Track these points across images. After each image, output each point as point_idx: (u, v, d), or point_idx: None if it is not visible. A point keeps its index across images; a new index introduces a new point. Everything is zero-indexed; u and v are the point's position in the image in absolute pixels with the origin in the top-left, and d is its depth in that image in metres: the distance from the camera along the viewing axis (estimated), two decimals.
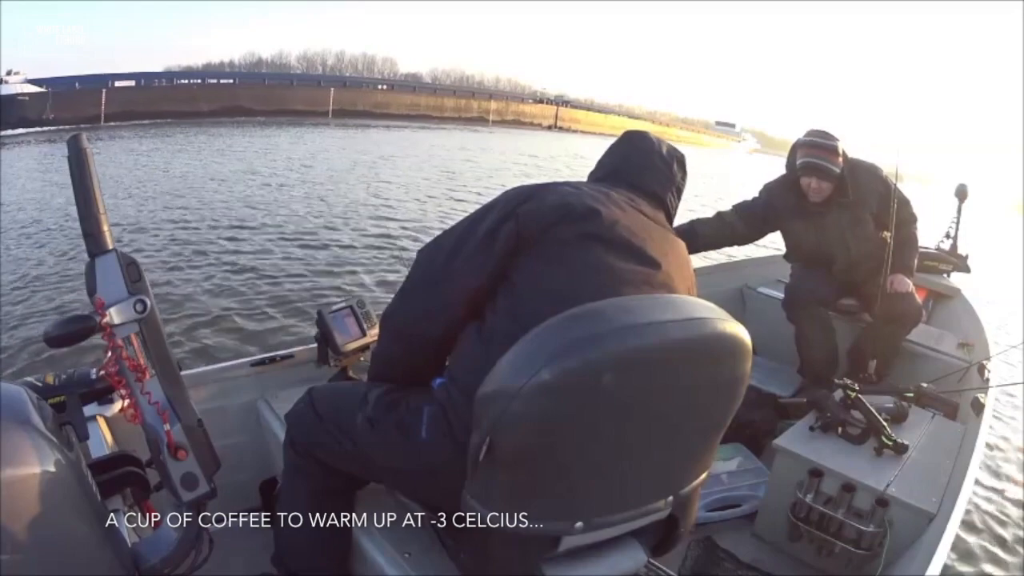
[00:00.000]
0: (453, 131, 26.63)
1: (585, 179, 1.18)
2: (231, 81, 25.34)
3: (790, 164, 2.27)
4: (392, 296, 1.05)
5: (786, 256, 2.51)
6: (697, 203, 6.96)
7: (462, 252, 0.96)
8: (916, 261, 2.32)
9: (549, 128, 43.34)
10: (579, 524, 0.81)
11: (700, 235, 2.34)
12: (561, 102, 50.49)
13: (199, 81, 23.18)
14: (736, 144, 69.03)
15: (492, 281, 0.94)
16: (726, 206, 2.44)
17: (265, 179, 9.81)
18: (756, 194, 2.42)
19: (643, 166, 1.14)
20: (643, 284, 0.93)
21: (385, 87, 38.30)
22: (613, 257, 0.93)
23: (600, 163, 1.21)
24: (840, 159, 2.16)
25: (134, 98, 20.38)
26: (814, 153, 2.16)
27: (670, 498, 0.88)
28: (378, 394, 1.02)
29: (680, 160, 1.18)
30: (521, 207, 0.95)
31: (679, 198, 1.17)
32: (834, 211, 2.22)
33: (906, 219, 2.26)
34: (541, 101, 50.26)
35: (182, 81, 22.57)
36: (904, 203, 2.25)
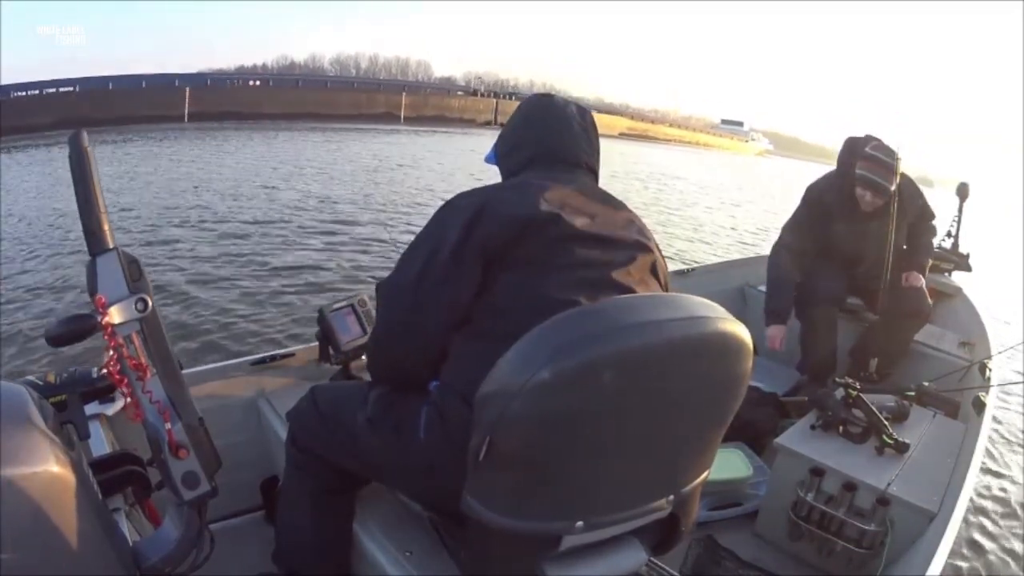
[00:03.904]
0: (340, 132, 21.37)
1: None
2: (71, 89, 22.70)
3: (843, 162, 2.26)
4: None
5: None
6: None
7: (428, 285, 0.93)
8: (928, 264, 2.42)
9: (488, 124, 34.47)
10: (580, 523, 0.81)
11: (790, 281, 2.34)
12: (504, 94, 42.92)
13: (37, 92, 21.10)
14: (745, 145, 63.95)
15: (468, 304, 0.93)
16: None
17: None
18: (798, 204, 2.41)
19: (564, 136, 1.10)
20: (629, 265, 0.96)
21: (258, 82, 32.97)
22: (590, 252, 0.94)
23: (517, 143, 1.12)
24: (896, 178, 2.16)
25: None
26: (875, 169, 2.15)
27: (671, 497, 0.88)
28: (377, 394, 1.02)
29: (591, 118, 1.16)
30: (476, 228, 0.92)
31: (599, 154, 1.16)
32: (877, 220, 2.25)
33: (928, 228, 2.42)
34: (474, 93, 42.34)
35: (19, 94, 20.49)
36: (928, 214, 2.40)
